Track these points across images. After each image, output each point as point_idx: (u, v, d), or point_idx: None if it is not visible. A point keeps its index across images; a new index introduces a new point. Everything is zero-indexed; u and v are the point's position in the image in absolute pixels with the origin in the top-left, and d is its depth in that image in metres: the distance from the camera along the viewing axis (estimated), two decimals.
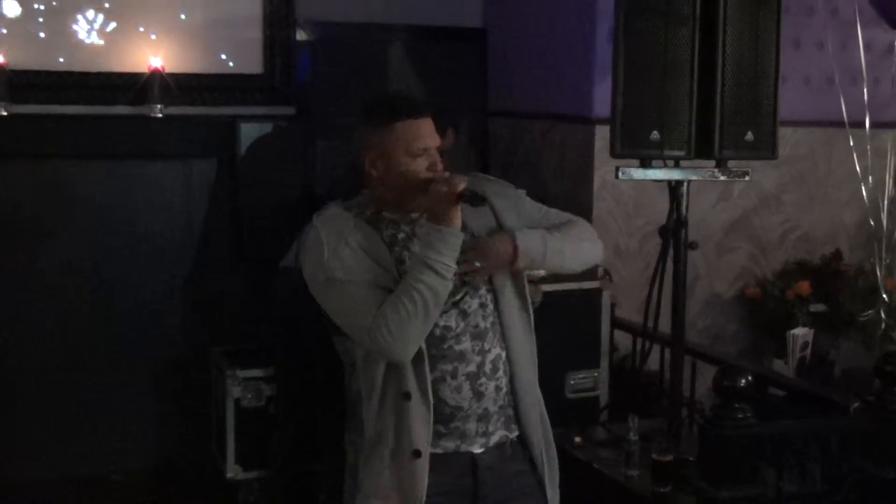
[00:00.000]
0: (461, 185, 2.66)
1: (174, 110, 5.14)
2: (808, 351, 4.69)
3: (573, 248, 2.93)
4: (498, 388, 2.84)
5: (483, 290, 2.84)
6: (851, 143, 4.46)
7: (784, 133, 4.90)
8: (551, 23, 5.26)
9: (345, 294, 2.71)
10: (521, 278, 2.91)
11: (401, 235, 2.81)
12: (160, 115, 5.07)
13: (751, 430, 3.15)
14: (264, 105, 5.34)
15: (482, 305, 2.83)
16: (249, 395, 4.67)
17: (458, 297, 2.79)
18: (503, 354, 2.85)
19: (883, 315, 4.50)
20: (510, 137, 5.64)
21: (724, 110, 3.48)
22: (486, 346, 2.82)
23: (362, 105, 2.88)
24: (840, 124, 4.60)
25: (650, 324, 3.74)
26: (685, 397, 4.00)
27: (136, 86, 5.08)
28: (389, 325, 2.64)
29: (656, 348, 4.08)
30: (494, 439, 2.85)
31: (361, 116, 2.84)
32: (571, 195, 5.02)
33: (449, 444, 2.80)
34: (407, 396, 2.74)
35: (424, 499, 2.74)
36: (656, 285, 3.70)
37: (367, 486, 2.81)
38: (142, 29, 5.13)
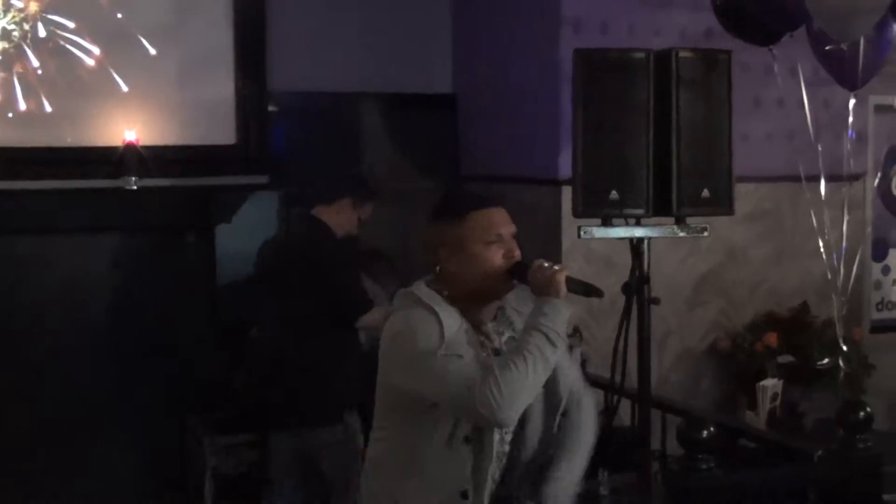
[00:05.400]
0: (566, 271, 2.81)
1: (149, 182, 5.22)
2: (779, 402, 4.75)
3: None
4: None
5: None
6: (808, 197, 4.55)
7: (748, 189, 5.02)
8: (519, 88, 5.36)
9: (460, 367, 2.67)
10: None
11: (465, 327, 2.79)
12: (135, 188, 5.15)
13: (714, 482, 3.20)
14: (238, 175, 5.43)
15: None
16: (230, 463, 4.68)
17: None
18: None
19: (841, 363, 4.57)
20: None
21: (681, 169, 3.56)
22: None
23: (432, 207, 2.94)
24: (805, 179, 4.70)
25: (617, 378, 3.80)
26: (656, 451, 4.05)
27: (112, 159, 5.16)
28: (499, 384, 2.60)
29: (628, 403, 4.14)
30: None
31: (431, 217, 2.88)
32: (543, 257, 5.07)
33: None
34: (464, 496, 2.74)
35: None
36: (621, 341, 3.77)
37: None
38: (116, 103, 5.23)
